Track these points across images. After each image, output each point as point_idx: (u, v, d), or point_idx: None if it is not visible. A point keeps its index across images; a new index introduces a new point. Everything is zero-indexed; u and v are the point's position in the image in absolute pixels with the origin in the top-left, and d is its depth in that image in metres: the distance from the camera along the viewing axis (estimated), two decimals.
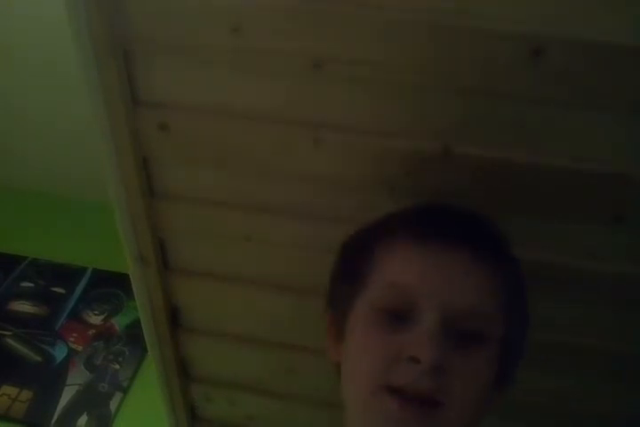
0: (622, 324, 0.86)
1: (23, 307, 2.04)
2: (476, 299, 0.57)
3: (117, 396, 1.82)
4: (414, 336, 0.54)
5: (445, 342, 0.54)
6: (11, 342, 1.94)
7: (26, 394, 1.82)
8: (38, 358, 1.90)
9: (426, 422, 0.54)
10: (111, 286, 2.08)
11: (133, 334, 1.94)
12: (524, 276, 0.65)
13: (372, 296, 0.59)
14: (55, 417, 1.77)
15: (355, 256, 0.65)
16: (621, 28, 0.62)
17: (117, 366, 1.89)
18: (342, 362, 0.61)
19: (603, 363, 0.91)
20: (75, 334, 1.97)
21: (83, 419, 1.77)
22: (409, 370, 0.53)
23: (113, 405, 1.80)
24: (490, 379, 0.58)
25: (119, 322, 2.00)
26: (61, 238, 2.21)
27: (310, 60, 0.71)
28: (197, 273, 1.01)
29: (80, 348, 1.93)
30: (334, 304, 0.66)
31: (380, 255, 0.61)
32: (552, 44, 0.64)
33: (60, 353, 1.92)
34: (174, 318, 1.10)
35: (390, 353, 0.55)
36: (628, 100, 0.67)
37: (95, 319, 2.01)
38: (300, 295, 0.97)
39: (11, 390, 1.82)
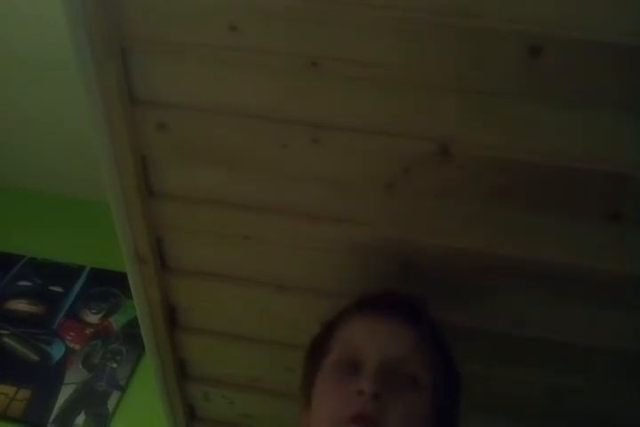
0: (622, 323, 0.86)
1: (21, 306, 2.03)
2: (405, 350, 0.72)
3: (115, 395, 1.82)
4: (360, 377, 0.69)
5: (384, 381, 0.68)
6: (8, 341, 1.93)
7: (23, 393, 1.81)
8: (36, 357, 1.90)
9: None
10: (109, 285, 2.08)
11: (131, 333, 1.93)
12: (443, 336, 0.79)
13: (331, 357, 0.75)
14: (53, 416, 1.76)
15: (320, 338, 0.81)
16: (620, 28, 0.62)
17: (115, 365, 1.88)
18: (310, 414, 0.74)
19: (602, 363, 0.91)
20: (72, 333, 1.96)
21: (80, 418, 1.76)
22: (358, 401, 0.66)
23: (111, 404, 1.80)
24: (423, 421, 0.69)
25: (117, 321, 2.00)
26: (59, 237, 2.20)
27: (309, 58, 0.71)
28: (195, 272, 1.01)
29: (78, 347, 1.93)
30: (306, 379, 0.78)
31: (338, 331, 0.77)
32: (551, 44, 0.64)
33: (57, 352, 1.91)
34: (172, 317, 1.10)
35: (345, 393, 0.68)
36: (627, 100, 0.67)
37: (93, 318, 2.01)
38: (298, 294, 0.97)
39: (8, 390, 1.81)
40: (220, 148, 0.83)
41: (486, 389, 1.01)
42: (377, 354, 0.70)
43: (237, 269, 0.98)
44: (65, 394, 1.81)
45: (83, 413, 1.78)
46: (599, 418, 0.99)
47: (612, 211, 0.75)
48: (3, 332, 1.95)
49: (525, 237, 0.81)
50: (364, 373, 0.69)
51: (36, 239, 2.20)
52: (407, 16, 0.66)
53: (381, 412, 0.66)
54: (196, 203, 0.90)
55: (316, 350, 0.79)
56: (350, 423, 0.65)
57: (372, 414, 0.65)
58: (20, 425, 1.76)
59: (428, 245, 0.85)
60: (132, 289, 1.05)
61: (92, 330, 1.98)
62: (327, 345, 0.77)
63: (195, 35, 0.73)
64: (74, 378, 1.85)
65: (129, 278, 1.03)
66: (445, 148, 0.75)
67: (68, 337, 1.95)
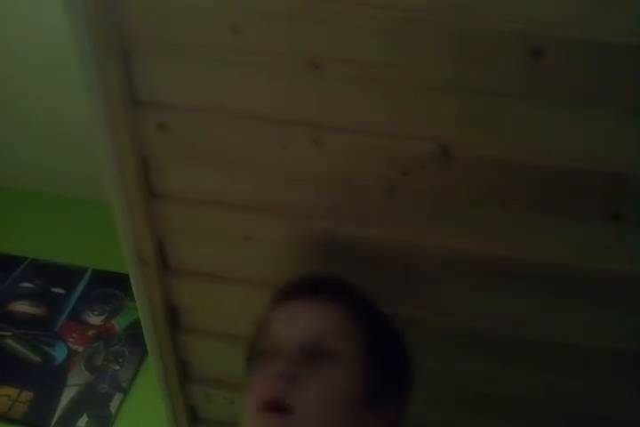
0: (622, 323, 0.86)
1: (23, 307, 2.03)
2: (324, 325, 0.72)
3: (118, 397, 1.82)
4: (277, 362, 0.69)
5: (302, 361, 0.68)
6: (11, 342, 1.93)
7: (26, 395, 1.81)
8: (38, 359, 1.90)
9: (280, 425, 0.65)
10: (111, 287, 2.08)
11: (133, 335, 1.93)
12: (370, 305, 0.78)
13: (260, 352, 0.74)
14: (55, 418, 1.76)
15: (253, 340, 0.80)
16: (621, 28, 0.62)
17: (117, 367, 1.89)
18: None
19: (603, 363, 0.91)
20: (75, 335, 1.97)
21: (83, 420, 1.77)
22: (271, 385, 0.66)
23: (113, 406, 1.80)
24: (349, 396, 0.68)
25: (119, 322, 2.00)
26: (61, 239, 2.20)
27: (309, 59, 0.71)
28: (197, 273, 1.01)
29: (80, 348, 1.93)
30: (247, 368, 0.78)
31: (266, 325, 0.76)
32: (552, 44, 0.64)
33: (59, 354, 1.91)
34: (174, 319, 1.10)
35: (263, 379, 0.68)
36: (628, 100, 0.67)
37: (95, 320, 2.01)
38: None
39: (11, 391, 1.82)
40: (220, 149, 0.83)
41: (486, 389, 1.01)
42: (295, 336, 0.71)
43: (238, 270, 0.98)
44: (67, 396, 1.81)
45: (85, 415, 1.78)
46: (599, 418, 0.99)
47: (612, 211, 0.75)
48: (5, 333, 1.95)
49: (525, 238, 0.81)
50: (283, 356, 0.69)
51: (37, 241, 2.20)
52: (407, 16, 0.66)
53: (295, 391, 0.65)
54: (197, 204, 0.90)
55: (251, 353, 0.78)
56: (261, 412, 0.65)
57: (282, 395, 0.64)
58: None
59: (428, 246, 0.85)
60: (134, 290, 1.05)
61: (94, 332, 1.98)
62: (257, 348, 0.76)
63: (196, 36, 0.73)
64: (76, 380, 1.85)
65: (131, 280, 1.03)
66: (446, 148, 0.75)
67: (71, 339, 1.95)
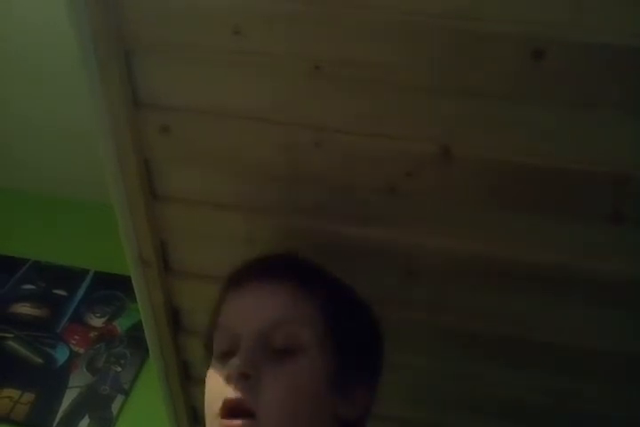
0: (622, 324, 0.86)
1: (25, 309, 2.03)
2: (276, 314, 0.66)
3: (119, 398, 1.82)
4: (232, 361, 0.63)
5: (256, 357, 0.63)
6: (12, 344, 1.93)
7: (27, 396, 1.81)
8: (40, 361, 1.90)
9: None
10: (113, 289, 2.08)
11: (135, 337, 1.93)
12: (342, 291, 0.74)
13: (215, 347, 0.70)
14: (57, 420, 1.76)
15: (208, 331, 0.75)
16: (621, 29, 0.62)
17: (119, 369, 1.89)
18: None
19: (603, 363, 0.91)
20: (76, 337, 1.97)
21: (84, 422, 1.77)
22: (227, 387, 0.62)
23: (115, 407, 1.80)
24: (315, 387, 0.64)
25: (121, 324, 2.00)
26: (63, 241, 2.20)
27: (311, 62, 0.71)
28: (198, 275, 1.01)
29: (82, 350, 1.93)
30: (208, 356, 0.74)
31: (219, 312, 0.72)
32: (553, 46, 0.65)
33: (61, 355, 1.92)
34: (176, 320, 1.10)
35: (219, 383, 0.64)
36: (629, 101, 0.67)
37: (97, 322, 2.01)
38: None
39: (12, 393, 1.82)
40: (221, 150, 0.83)
41: (486, 389, 1.01)
42: (246, 331, 0.65)
43: None
44: (69, 398, 1.82)
45: (87, 416, 1.78)
46: (599, 418, 0.99)
47: (613, 211, 0.75)
48: (7, 335, 1.95)
49: (525, 238, 0.81)
50: (237, 355, 0.64)
51: (39, 243, 2.20)
52: (408, 19, 0.66)
53: (255, 392, 0.60)
54: (199, 205, 0.91)
55: (208, 344, 0.73)
56: (221, 418, 0.61)
57: (240, 396, 0.60)
58: None
59: (428, 246, 0.85)
60: (135, 292, 1.05)
61: (96, 333, 1.98)
62: (213, 336, 0.72)
63: (197, 37, 0.73)
64: (78, 382, 1.86)
65: (133, 281, 1.03)
66: (447, 149, 0.75)
67: (72, 341, 1.96)
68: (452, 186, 0.78)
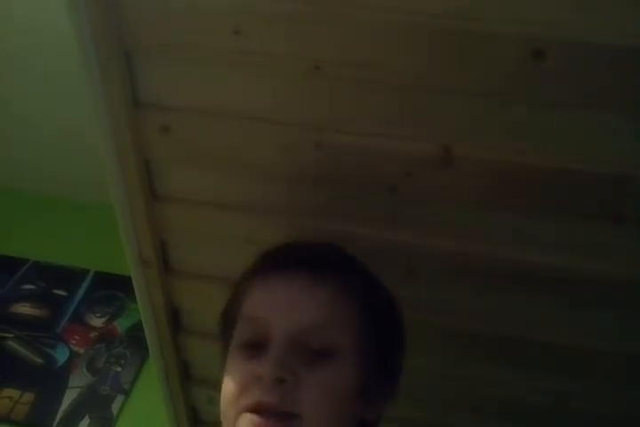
0: (622, 324, 0.86)
1: (25, 309, 2.04)
2: (315, 315, 0.62)
3: (119, 399, 1.82)
4: (263, 360, 0.61)
5: (291, 359, 0.60)
6: (12, 344, 1.94)
7: (27, 397, 1.81)
8: (40, 361, 1.90)
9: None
10: (113, 289, 2.08)
11: (135, 337, 1.94)
12: (380, 290, 0.71)
13: (235, 337, 0.66)
14: (57, 420, 1.76)
15: (229, 301, 0.72)
16: (621, 29, 0.62)
17: (119, 369, 1.89)
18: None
19: (603, 363, 0.91)
20: (76, 337, 1.97)
21: (85, 422, 1.77)
22: (256, 389, 0.59)
23: (115, 407, 1.80)
24: (349, 389, 0.62)
25: (121, 324, 2.00)
26: (63, 241, 2.20)
27: (312, 62, 0.72)
28: (198, 275, 1.01)
29: (82, 350, 1.93)
30: (222, 340, 0.71)
31: (242, 297, 0.68)
32: (553, 46, 0.65)
33: (61, 356, 1.92)
34: (176, 320, 1.10)
35: (245, 379, 0.61)
36: (629, 101, 0.67)
37: (97, 322, 2.01)
38: None
39: (12, 393, 1.82)
40: (222, 150, 0.84)
41: (486, 389, 1.01)
42: (281, 329, 0.61)
43: (240, 271, 0.99)
44: (69, 398, 1.82)
45: (87, 416, 1.78)
46: (599, 418, 0.99)
47: (613, 212, 0.75)
48: (7, 335, 1.95)
49: (526, 239, 0.81)
50: (267, 354, 0.60)
51: (39, 243, 2.20)
52: (408, 19, 0.66)
53: (289, 396, 0.58)
54: (199, 205, 0.91)
55: (226, 324, 0.70)
56: (247, 412, 0.58)
57: (276, 400, 0.58)
58: None
59: (428, 246, 0.85)
60: (136, 292, 1.05)
61: (96, 334, 1.98)
62: (233, 319, 0.68)
63: (198, 38, 0.73)
64: (78, 382, 1.86)
65: (133, 281, 1.03)
66: (447, 150, 0.75)
67: (73, 341, 1.96)
68: (452, 186, 0.78)
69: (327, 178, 0.82)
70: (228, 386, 0.63)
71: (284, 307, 0.63)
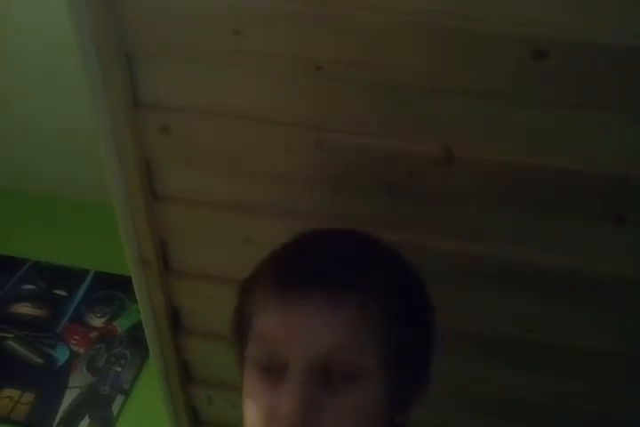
0: (622, 324, 0.86)
1: (25, 309, 2.04)
2: (337, 337, 0.56)
3: (119, 399, 1.82)
4: (283, 393, 0.55)
5: (314, 390, 0.55)
6: (13, 344, 1.94)
7: (28, 397, 1.81)
8: (40, 361, 1.90)
9: None
10: (113, 289, 2.08)
11: (135, 337, 1.94)
12: (406, 288, 0.64)
13: (249, 354, 0.61)
14: (57, 420, 1.76)
15: (239, 310, 0.65)
16: (622, 30, 0.62)
17: (119, 369, 1.89)
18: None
19: (603, 363, 0.91)
20: (77, 337, 1.97)
21: (85, 422, 1.77)
22: (282, 423, 0.54)
23: (115, 407, 1.80)
24: (377, 409, 0.58)
25: (121, 324, 2.00)
26: (63, 241, 2.21)
27: (312, 62, 0.71)
28: (198, 275, 1.01)
29: (82, 350, 1.93)
30: (236, 350, 0.66)
31: (254, 308, 0.61)
32: (554, 46, 0.65)
33: (61, 356, 1.92)
34: (176, 320, 1.10)
35: (267, 412, 0.56)
36: (629, 101, 0.67)
37: (97, 322, 2.01)
38: None
39: (13, 393, 1.82)
40: (222, 150, 0.83)
41: (486, 390, 1.01)
42: (298, 357, 0.55)
43: (240, 272, 0.98)
44: (69, 398, 1.82)
45: (87, 416, 1.78)
46: (599, 418, 0.99)
47: (614, 212, 0.75)
48: (7, 335, 1.95)
49: (525, 239, 0.81)
50: (288, 385, 0.55)
51: (39, 243, 2.21)
52: (408, 19, 0.66)
53: (315, 423, 0.54)
54: (199, 205, 0.91)
55: (237, 336, 0.65)
56: None
57: (303, 424, 0.54)
58: None
59: (429, 247, 0.85)
60: (136, 292, 1.05)
61: (96, 334, 1.98)
62: (245, 331, 0.63)
63: (198, 38, 0.73)
64: (78, 382, 1.86)
65: (133, 281, 1.03)
66: (447, 150, 0.75)
67: (73, 341, 1.96)
68: (452, 186, 0.78)
69: (327, 178, 0.82)
70: (251, 416, 0.59)
71: (300, 328, 0.56)
